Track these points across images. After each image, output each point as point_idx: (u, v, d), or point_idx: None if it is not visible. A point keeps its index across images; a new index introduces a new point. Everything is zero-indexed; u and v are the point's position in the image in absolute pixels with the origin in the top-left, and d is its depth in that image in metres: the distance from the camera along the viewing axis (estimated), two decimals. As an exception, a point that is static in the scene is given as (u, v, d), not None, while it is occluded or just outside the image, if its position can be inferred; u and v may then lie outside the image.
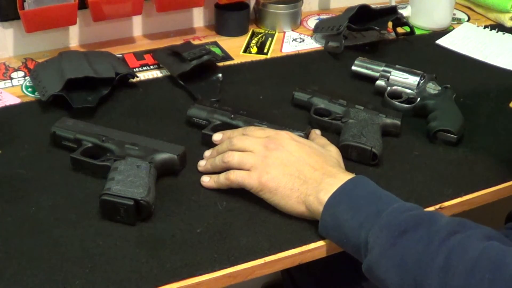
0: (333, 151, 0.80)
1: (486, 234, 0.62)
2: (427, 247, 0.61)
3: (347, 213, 0.68)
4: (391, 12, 1.20)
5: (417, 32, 1.28)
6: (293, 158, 0.74)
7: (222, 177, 0.77)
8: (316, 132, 0.87)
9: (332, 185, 0.71)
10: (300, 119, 0.94)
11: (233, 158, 0.77)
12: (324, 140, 0.83)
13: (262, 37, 1.25)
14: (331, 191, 0.70)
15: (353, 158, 0.85)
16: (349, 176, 0.72)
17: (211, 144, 0.87)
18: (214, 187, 0.78)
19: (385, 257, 0.63)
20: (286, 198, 0.73)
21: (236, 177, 0.75)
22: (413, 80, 0.99)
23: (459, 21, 1.36)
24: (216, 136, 0.84)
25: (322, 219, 0.70)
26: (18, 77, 1.06)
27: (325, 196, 0.70)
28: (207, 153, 0.83)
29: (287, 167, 0.74)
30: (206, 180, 0.79)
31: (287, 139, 0.77)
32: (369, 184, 0.72)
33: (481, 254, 0.59)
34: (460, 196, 0.80)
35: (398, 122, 0.90)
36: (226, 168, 0.77)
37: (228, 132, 0.83)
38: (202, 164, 0.82)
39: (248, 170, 0.75)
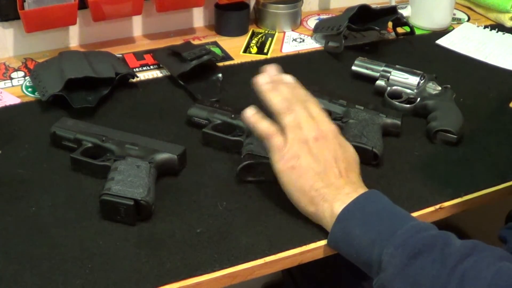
0: (354, 151, 0.77)
1: (499, 255, 0.62)
2: (441, 270, 0.60)
3: (359, 229, 0.67)
4: (391, 12, 1.20)
5: (417, 32, 1.28)
6: (328, 156, 0.72)
7: (264, 125, 0.74)
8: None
9: (350, 196, 0.69)
10: (300, 119, 0.94)
11: (290, 116, 0.73)
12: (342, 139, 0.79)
13: (262, 37, 1.25)
14: (346, 202, 0.69)
15: (353, 158, 0.85)
16: (364, 189, 0.71)
17: (211, 144, 0.87)
18: (250, 123, 0.75)
19: (399, 278, 0.62)
20: (302, 192, 0.71)
21: (273, 139, 0.73)
22: (413, 80, 0.99)
23: (459, 21, 1.36)
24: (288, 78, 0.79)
25: (332, 231, 0.69)
26: (18, 77, 1.06)
27: (339, 208, 0.69)
28: (270, 71, 0.78)
29: (318, 163, 0.71)
30: (249, 114, 0.76)
31: (331, 133, 0.74)
32: (382, 200, 0.70)
33: (494, 276, 0.58)
34: (460, 196, 0.80)
35: (398, 122, 0.90)
36: (273, 110, 0.74)
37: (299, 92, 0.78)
38: (263, 80, 0.77)
39: (285, 138, 0.73)
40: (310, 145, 0.72)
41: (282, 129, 0.73)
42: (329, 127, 0.75)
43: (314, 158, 0.72)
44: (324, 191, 0.71)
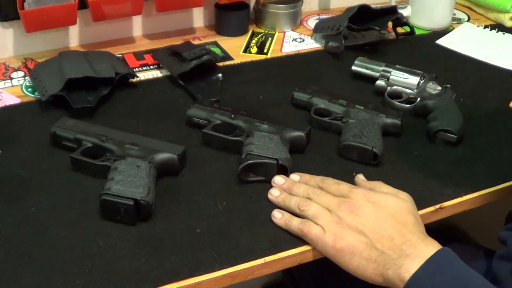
0: (407, 200, 0.74)
1: None
2: None
3: None
4: (391, 12, 1.20)
5: (417, 32, 1.28)
6: (369, 223, 0.69)
7: (295, 224, 0.72)
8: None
9: (413, 260, 0.65)
10: (300, 119, 0.94)
11: (310, 209, 0.73)
12: (388, 188, 0.77)
13: (262, 37, 1.25)
14: (412, 269, 0.65)
15: (354, 158, 0.85)
16: (429, 247, 0.66)
17: (211, 144, 0.87)
18: (282, 227, 0.74)
19: None
20: (362, 269, 0.68)
21: (310, 232, 0.71)
22: (413, 80, 0.99)
23: (459, 21, 1.36)
24: (294, 177, 0.80)
25: None
26: (18, 77, 1.06)
27: (406, 274, 0.65)
28: (280, 181, 0.79)
29: (363, 234, 0.69)
30: (278, 217, 0.74)
31: (362, 200, 0.72)
32: (453, 263, 0.66)
33: None
34: (460, 196, 0.80)
35: (398, 122, 0.90)
36: (298, 215, 0.74)
37: (306, 177, 0.79)
38: (275, 194, 0.77)
39: (321, 226, 0.71)
40: (346, 221, 0.70)
41: (315, 223, 0.72)
42: (355, 194, 0.73)
43: (356, 231, 0.69)
44: (382, 259, 0.67)
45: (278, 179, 0.79)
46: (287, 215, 0.74)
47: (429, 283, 0.64)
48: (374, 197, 0.72)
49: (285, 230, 0.73)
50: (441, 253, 0.66)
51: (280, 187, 0.78)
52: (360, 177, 0.80)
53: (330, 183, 0.77)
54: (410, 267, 0.65)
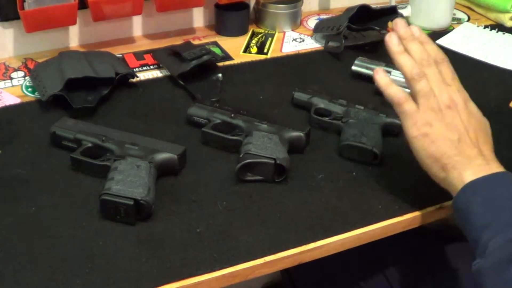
0: (486, 122, 0.76)
1: None
2: None
3: (480, 207, 0.66)
4: (391, 12, 1.20)
5: (417, 32, 1.28)
6: (460, 126, 0.72)
7: (395, 89, 0.74)
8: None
9: (481, 169, 0.68)
10: (300, 119, 0.94)
11: (421, 83, 0.73)
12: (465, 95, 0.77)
13: (262, 37, 1.25)
14: (478, 175, 0.68)
15: (354, 157, 0.85)
16: (499, 167, 0.70)
17: (211, 143, 0.87)
18: (381, 86, 0.76)
19: (497, 272, 0.61)
20: (433, 160, 0.71)
21: (405, 104, 0.73)
22: (413, 80, 0.99)
23: (459, 21, 1.36)
24: (415, 30, 0.77)
25: (455, 199, 0.69)
26: (18, 77, 1.06)
27: (469, 177, 0.68)
28: (402, 26, 0.76)
29: (451, 132, 0.71)
30: (380, 75, 0.76)
31: (463, 102, 0.74)
32: None
33: None
34: (460, 196, 0.80)
35: (398, 122, 0.90)
36: (405, 75, 0.74)
37: (426, 39, 0.77)
38: (394, 42, 0.76)
39: (417, 104, 0.73)
40: (443, 113, 0.72)
41: (413, 95, 0.73)
42: (461, 96, 0.74)
43: (447, 127, 0.71)
44: (456, 159, 0.70)
45: (400, 22, 0.77)
46: (388, 77, 0.75)
47: (485, 191, 0.66)
48: (475, 109, 0.75)
49: (285, 230, 0.73)
50: (507, 173, 0.69)
51: (399, 33, 0.76)
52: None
53: (448, 71, 0.75)
54: (476, 173, 0.67)
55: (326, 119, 0.92)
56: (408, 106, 0.73)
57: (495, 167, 0.69)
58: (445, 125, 0.71)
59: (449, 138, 0.71)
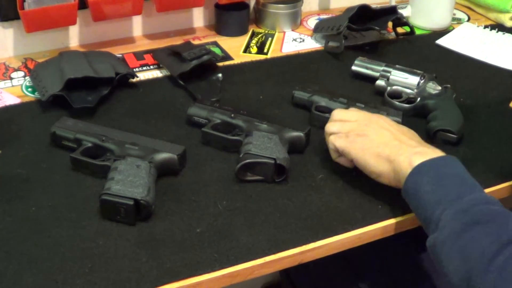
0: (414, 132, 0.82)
1: None
2: (492, 245, 0.61)
3: (429, 186, 0.69)
4: (391, 12, 1.20)
5: (417, 32, 1.28)
6: (392, 129, 0.78)
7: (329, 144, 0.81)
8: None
9: (427, 153, 0.72)
10: (300, 119, 0.94)
11: (332, 127, 0.81)
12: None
13: (262, 37, 1.25)
14: (425, 158, 0.71)
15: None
16: (443, 153, 0.73)
17: (211, 143, 0.87)
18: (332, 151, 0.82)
19: (452, 241, 0.64)
20: (374, 154, 0.75)
21: (333, 140, 0.79)
22: (413, 80, 0.99)
23: (459, 21, 1.36)
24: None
25: (405, 183, 0.72)
26: (18, 77, 1.06)
27: (417, 161, 0.71)
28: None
29: (385, 130, 0.77)
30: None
31: (382, 119, 0.80)
32: (458, 166, 0.72)
33: None
34: (460, 196, 0.80)
35: (399, 120, 0.90)
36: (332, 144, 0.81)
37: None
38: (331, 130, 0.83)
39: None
40: (369, 125, 0.78)
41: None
42: (373, 116, 0.81)
43: (383, 128, 0.78)
44: (398, 148, 0.74)
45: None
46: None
47: (433, 170, 0.70)
48: (390, 122, 0.81)
49: (285, 230, 0.73)
50: (451, 157, 0.73)
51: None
52: None
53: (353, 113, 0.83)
54: (423, 156, 0.72)
55: (327, 115, 0.92)
56: (332, 139, 0.80)
57: (439, 152, 0.73)
58: (376, 129, 0.78)
59: (385, 135, 0.77)
